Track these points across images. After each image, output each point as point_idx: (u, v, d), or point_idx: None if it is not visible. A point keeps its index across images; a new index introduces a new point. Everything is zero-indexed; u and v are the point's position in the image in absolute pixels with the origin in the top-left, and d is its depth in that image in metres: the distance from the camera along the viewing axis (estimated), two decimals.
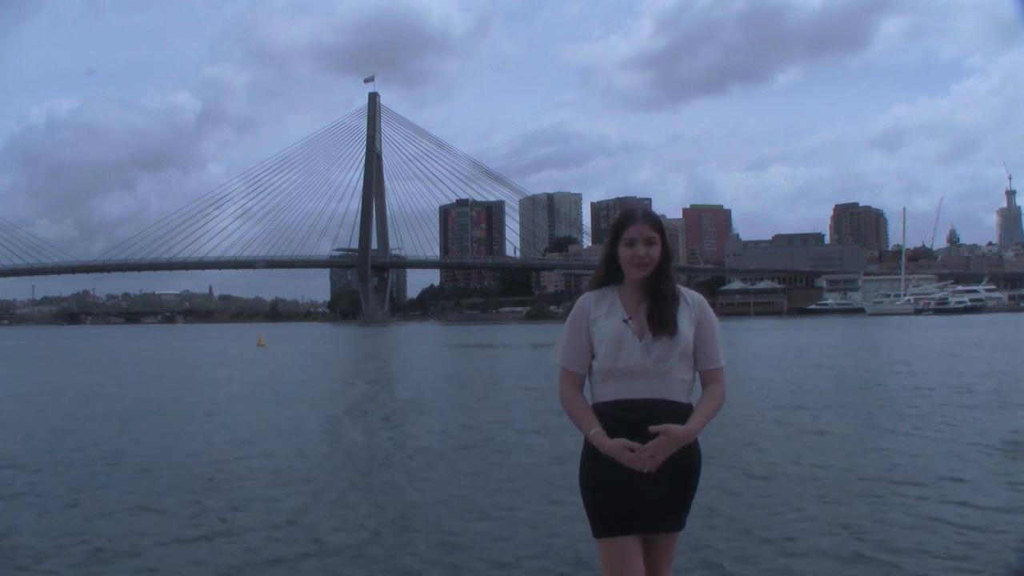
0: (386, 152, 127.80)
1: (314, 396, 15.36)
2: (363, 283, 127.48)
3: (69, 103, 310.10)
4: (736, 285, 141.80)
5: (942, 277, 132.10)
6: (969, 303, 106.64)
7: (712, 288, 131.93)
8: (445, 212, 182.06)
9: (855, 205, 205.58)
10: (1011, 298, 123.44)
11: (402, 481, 7.35)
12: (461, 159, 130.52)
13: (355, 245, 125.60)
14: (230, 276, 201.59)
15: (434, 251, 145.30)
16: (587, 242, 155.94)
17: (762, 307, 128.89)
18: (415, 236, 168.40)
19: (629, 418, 2.55)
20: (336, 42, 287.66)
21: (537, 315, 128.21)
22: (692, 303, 2.68)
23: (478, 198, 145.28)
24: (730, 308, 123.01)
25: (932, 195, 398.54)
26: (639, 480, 2.52)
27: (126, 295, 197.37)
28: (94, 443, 9.68)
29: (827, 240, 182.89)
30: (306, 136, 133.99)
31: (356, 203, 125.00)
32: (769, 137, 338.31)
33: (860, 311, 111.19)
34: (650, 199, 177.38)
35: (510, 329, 73.96)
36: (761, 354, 26.33)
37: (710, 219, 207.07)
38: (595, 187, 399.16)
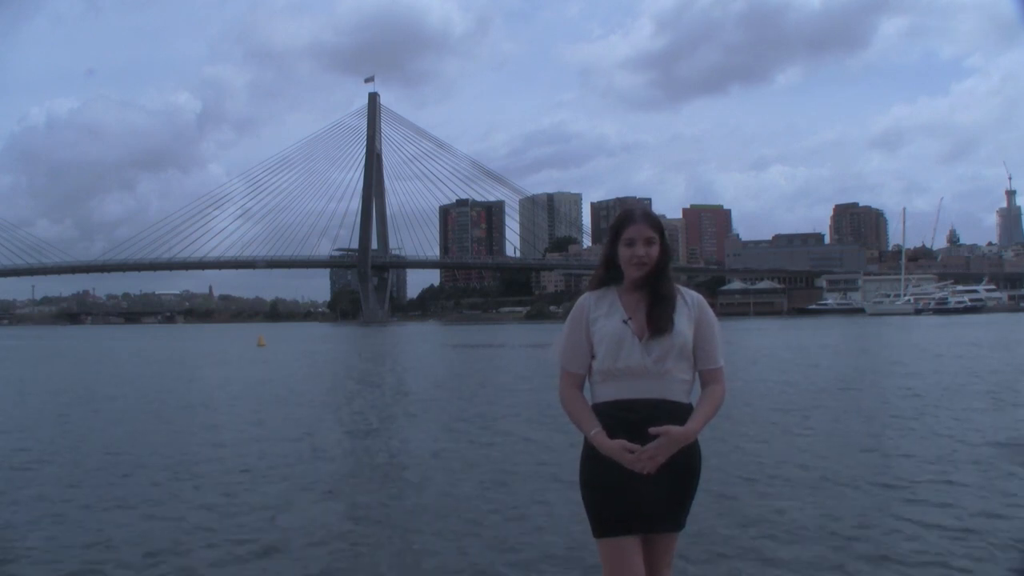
0: (386, 152, 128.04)
1: (313, 396, 15.36)
2: (363, 283, 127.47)
3: (69, 103, 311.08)
4: (736, 285, 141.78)
5: (942, 277, 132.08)
6: (969, 303, 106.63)
7: (712, 288, 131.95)
8: (445, 212, 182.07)
9: (855, 205, 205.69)
10: (1011, 298, 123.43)
11: (401, 481, 7.35)
12: (461, 159, 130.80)
13: (355, 245, 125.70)
14: (230, 276, 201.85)
15: (434, 251, 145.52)
16: (587, 242, 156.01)
17: (762, 307, 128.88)
18: (415, 236, 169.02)
19: (629, 418, 2.56)
20: (336, 42, 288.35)
21: (537, 315, 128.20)
22: (691, 303, 2.68)
23: (478, 198, 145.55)
24: (730, 308, 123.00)
25: (932, 195, 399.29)
26: (639, 480, 2.52)
27: (126, 295, 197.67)
28: (91, 443, 9.69)
29: (827, 240, 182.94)
30: (306, 136, 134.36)
31: (356, 203, 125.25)
32: (769, 137, 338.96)
33: (860, 311, 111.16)
34: (650, 199, 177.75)
35: (510, 329, 73.95)
36: (760, 354, 26.34)
37: (710, 219, 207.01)
38: (595, 187, 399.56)
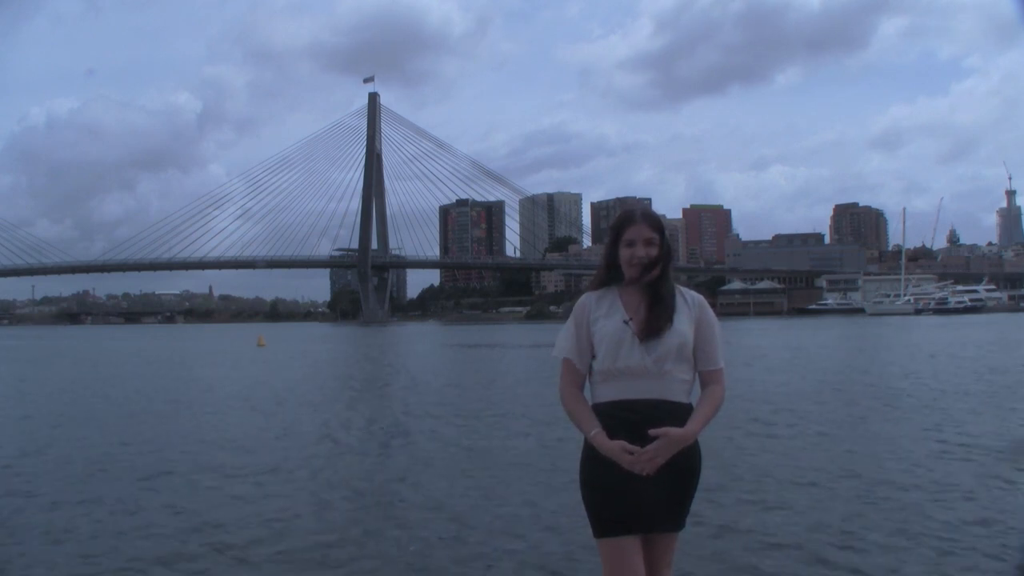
0: (386, 152, 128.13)
1: (312, 396, 15.35)
2: (363, 283, 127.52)
3: (69, 103, 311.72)
4: (736, 285, 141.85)
5: (942, 277, 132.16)
6: (969, 303, 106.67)
7: (712, 288, 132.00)
8: (445, 212, 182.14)
9: (855, 205, 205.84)
10: (1011, 298, 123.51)
11: (399, 480, 7.35)
12: (461, 159, 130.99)
13: (355, 245, 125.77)
14: (230, 276, 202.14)
15: (434, 251, 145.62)
16: (587, 242, 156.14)
17: (762, 307, 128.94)
18: (415, 236, 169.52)
19: (629, 418, 2.55)
20: (336, 42, 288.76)
21: (537, 315, 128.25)
22: (692, 303, 2.68)
23: (478, 198, 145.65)
24: (730, 308, 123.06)
25: (932, 195, 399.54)
26: (639, 481, 2.52)
27: (126, 295, 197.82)
28: (90, 443, 9.69)
29: (827, 240, 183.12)
30: (306, 136, 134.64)
31: (356, 203, 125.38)
32: (769, 137, 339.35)
33: (860, 311, 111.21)
34: (650, 199, 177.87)
35: (510, 329, 73.92)
36: (760, 354, 26.32)
37: (710, 219, 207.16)
38: (595, 187, 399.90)
